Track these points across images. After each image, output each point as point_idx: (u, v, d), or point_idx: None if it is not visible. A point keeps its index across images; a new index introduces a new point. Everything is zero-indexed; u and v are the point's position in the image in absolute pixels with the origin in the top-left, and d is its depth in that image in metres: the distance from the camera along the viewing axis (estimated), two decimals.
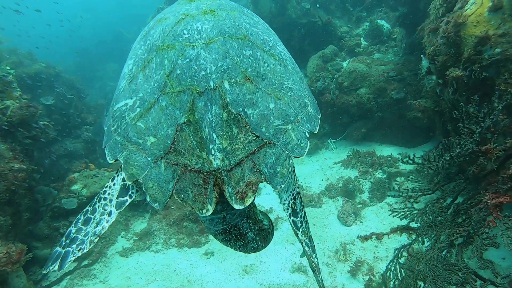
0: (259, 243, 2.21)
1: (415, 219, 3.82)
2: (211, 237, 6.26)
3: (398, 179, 6.76)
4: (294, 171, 2.14)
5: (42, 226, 6.26)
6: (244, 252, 2.18)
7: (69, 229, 2.03)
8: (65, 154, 8.57)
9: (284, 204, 2.10)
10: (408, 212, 3.95)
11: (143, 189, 1.77)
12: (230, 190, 1.73)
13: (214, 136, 1.77)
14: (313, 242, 2.19)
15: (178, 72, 1.89)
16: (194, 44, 2.00)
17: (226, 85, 1.85)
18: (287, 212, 2.06)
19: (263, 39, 2.21)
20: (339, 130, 8.35)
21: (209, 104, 1.81)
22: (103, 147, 1.93)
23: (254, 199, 1.77)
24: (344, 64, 8.79)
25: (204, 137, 1.76)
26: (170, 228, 6.65)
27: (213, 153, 1.75)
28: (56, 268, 1.92)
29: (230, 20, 2.18)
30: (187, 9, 2.29)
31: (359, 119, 7.98)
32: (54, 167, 7.79)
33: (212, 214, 1.79)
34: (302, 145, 1.92)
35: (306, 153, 1.88)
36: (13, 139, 6.00)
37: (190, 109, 1.80)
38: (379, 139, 7.98)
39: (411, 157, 3.97)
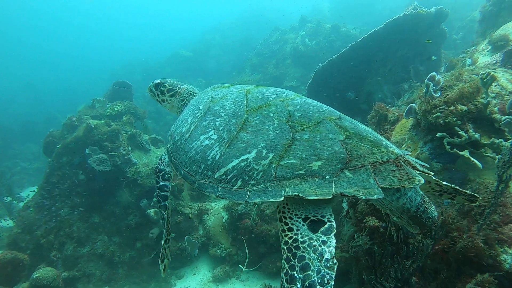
0: None
1: None
2: None
3: None
4: None
5: None
6: (433, 223, 2.50)
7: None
8: None
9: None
10: None
11: (350, 196, 1.88)
12: (418, 166, 2.19)
13: (380, 138, 2.29)
14: None
15: (299, 114, 2.31)
16: (291, 98, 2.55)
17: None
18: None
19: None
20: (254, 259, 7.68)
21: (351, 122, 2.35)
22: (243, 202, 2.10)
23: None
24: None
25: (372, 140, 2.19)
26: None
27: (389, 145, 2.21)
28: None
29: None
30: (235, 87, 2.85)
31: (277, 251, 7.46)
32: None
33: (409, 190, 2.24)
34: None
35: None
36: None
37: (341, 129, 2.21)
38: None
39: None
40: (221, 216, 8.14)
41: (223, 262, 7.63)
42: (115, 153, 8.16)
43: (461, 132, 3.40)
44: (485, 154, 3.37)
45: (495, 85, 4.00)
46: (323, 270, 1.76)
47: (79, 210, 8.03)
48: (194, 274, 7.66)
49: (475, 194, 2.55)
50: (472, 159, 3.21)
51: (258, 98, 2.53)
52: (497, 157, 3.07)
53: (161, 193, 2.96)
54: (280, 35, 18.64)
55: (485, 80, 3.56)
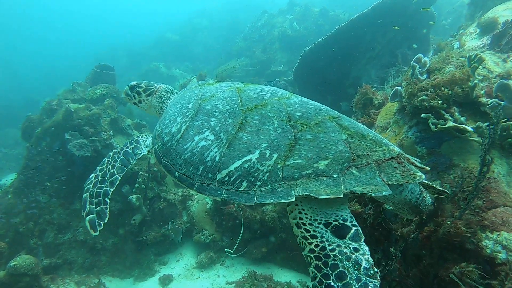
0: None
1: None
2: None
3: None
4: None
5: None
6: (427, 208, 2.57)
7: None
8: None
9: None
10: None
11: (359, 193, 1.93)
12: (417, 162, 2.26)
13: (380, 136, 2.35)
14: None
15: (299, 114, 2.32)
16: (286, 97, 2.53)
17: None
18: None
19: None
20: (239, 245, 7.63)
21: (350, 121, 2.38)
22: (252, 204, 2.07)
23: None
24: None
25: (373, 138, 2.24)
26: None
27: (389, 144, 2.26)
28: None
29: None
30: (223, 85, 2.81)
31: (261, 237, 7.42)
32: None
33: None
34: None
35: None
36: None
37: (342, 128, 2.24)
38: (279, 262, 7.36)
39: None
40: (206, 202, 8.04)
41: (207, 248, 7.56)
42: (95, 138, 7.92)
43: (447, 116, 3.31)
44: (470, 138, 3.30)
45: (482, 68, 3.92)
46: (364, 279, 1.68)
47: (60, 196, 7.82)
48: (178, 261, 7.58)
49: (445, 190, 2.69)
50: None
51: (253, 97, 2.50)
52: (482, 140, 2.99)
53: (121, 157, 2.92)
54: (268, 19, 18.25)
55: (472, 62, 3.46)
